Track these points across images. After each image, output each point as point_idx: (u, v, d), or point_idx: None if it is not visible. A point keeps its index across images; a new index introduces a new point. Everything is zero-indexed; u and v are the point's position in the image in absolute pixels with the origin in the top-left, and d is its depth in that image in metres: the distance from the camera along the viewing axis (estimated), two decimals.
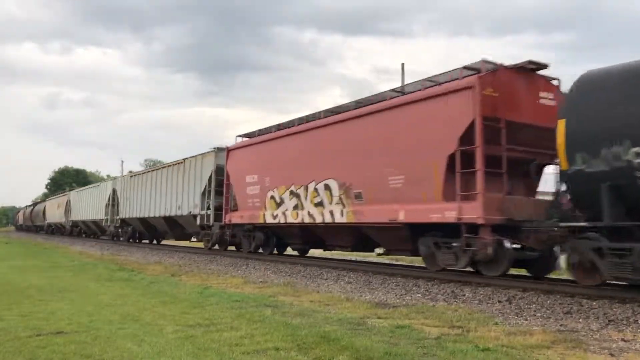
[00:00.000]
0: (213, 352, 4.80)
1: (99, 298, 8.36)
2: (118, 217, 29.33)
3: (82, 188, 42.76)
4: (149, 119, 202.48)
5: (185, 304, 7.62)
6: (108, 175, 38.42)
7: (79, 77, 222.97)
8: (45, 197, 77.59)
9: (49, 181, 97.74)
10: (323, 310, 7.22)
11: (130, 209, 27.04)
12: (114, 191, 30.22)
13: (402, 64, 26.12)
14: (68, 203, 42.00)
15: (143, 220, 25.84)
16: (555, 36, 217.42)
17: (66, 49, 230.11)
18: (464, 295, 8.55)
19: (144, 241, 28.93)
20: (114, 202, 30.09)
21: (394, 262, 16.22)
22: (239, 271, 13.19)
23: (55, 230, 49.36)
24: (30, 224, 63.43)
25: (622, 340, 5.48)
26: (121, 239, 30.51)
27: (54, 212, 47.78)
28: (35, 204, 67.92)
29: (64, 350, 4.94)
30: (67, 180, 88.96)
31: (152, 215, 24.07)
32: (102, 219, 31.68)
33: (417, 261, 14.43)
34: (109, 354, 4.79)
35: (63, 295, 8.67)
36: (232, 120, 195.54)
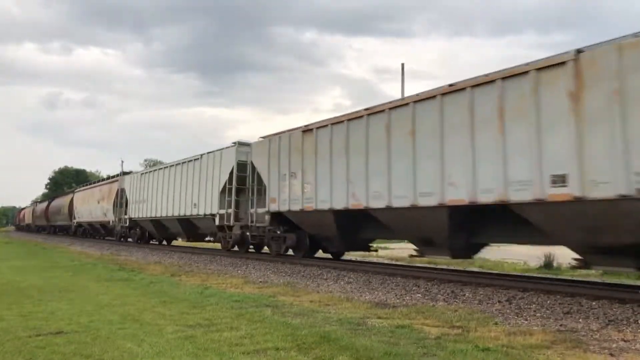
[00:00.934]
0: (213, 352, 4.80)
1: (98, 298, 8.35)
2: (266, 211, 15.45)
3: (151, 168, 28.01)
4: (149, 119, 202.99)
5: (185, 304, 7.61)
6: (109, 176, 34.50)
7: (79, 77, 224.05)
8: (45, 197, 77.03)
9: (49, 181, 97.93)
10: (323, 310, 7.22)
11: (310, 195, 13.85)
12: (239, 166, 17.37)
13: (402, 64, 26.09)
14: (120, 194, 28.53)
15: (343, 215, 12.98)
16: (556, 36, 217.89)
17: (66, 49, 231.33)
18: (464, 295, 8.55)
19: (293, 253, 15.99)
20: (242, 185, 17.32)
21: (393, 262, 16.23)
22: (239, 271, 13.18)
23: (90, 232, 36.34)
24: (45, 224, 49.94)
25: (622, 340, 5.47)
26: (263, 248, 18.00)
27: (91, 207, 33.44)
28: (52, 197, 54.68)
29: (64, 351, 4.94)
30: (67, 180, 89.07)
31: (337, 206, 12.72)
32: (215, 216, 18.41)
33: (417, 261, 14.45)
34: (109, 354, 4.79)
35: (63, 296, 8.66)
36: (232, 120, 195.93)
